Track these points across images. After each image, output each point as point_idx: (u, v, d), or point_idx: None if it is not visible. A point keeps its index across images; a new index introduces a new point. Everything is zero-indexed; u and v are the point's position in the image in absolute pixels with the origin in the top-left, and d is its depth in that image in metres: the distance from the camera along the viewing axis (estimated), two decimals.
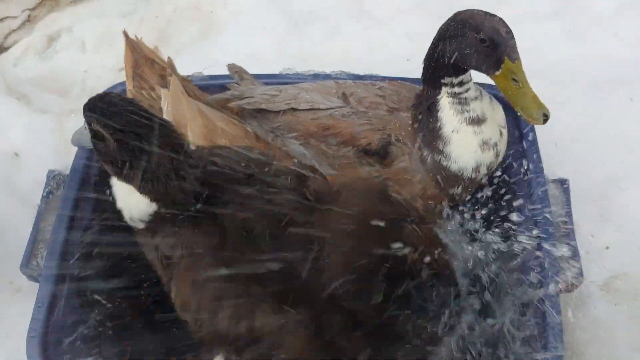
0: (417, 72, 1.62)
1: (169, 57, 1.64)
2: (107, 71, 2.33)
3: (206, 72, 1.87)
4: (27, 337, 1.45)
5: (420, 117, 1.51)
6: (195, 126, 1.45)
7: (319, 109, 1.54)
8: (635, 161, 1.93)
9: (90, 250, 1.57)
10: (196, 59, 2.22)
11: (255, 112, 1.57)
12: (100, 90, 2.13)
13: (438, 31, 1.44)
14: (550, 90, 2.08)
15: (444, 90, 1.47)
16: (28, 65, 2.35)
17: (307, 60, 2.19)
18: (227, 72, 1.85)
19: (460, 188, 1.54)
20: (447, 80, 1.45)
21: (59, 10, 2.55)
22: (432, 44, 1.45)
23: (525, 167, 1.66)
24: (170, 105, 1.46)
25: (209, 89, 1.76)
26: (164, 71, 1.61)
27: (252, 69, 1.95)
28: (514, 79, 1.37)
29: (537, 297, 1.44)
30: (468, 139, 1.49)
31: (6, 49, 2.45)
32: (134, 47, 1.63)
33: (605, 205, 1.87)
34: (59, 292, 1.52)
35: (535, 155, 1.66)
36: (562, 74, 2.17)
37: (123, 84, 1.84)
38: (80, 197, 1.63)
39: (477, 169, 1.52)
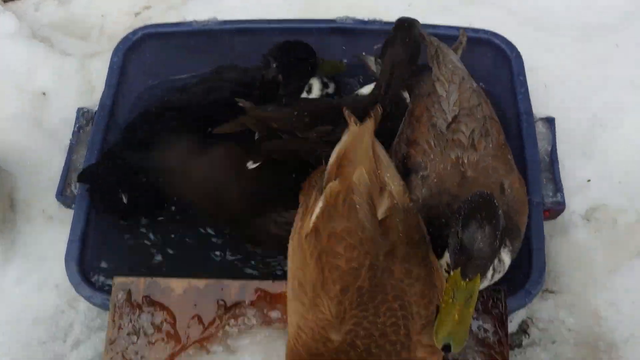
0: (419, 15, 1.78)
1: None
2: (123, 15, 2.43)
3: (220, 18, 2.00)
4: (65, 259, 1.62)
5: None
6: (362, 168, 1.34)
7: None
8: (618, 102, 2.07)
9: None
10: (208, 3, 2.34)
11: None
12: (117, 33, 2.28)
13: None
14: (543, 35, 2.23)
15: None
16: (48, 11, 2.45)
17: (317, 5, 2.32)
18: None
19: None
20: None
21: None
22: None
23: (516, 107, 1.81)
24: (351, 139, 1.38)
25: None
26: None
27: (260, 14, 2.09)
28: (453, 289, 1.19)
29: None
30: None
31: None
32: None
33: (588, 142, 2.01)
34: (92, 217, 1.69)
35: (525, 95, 1.81)
36: (554, 20, 2.28)
37: (143, 28, 1.98)
38: (109, 131, 1.79)
39: None
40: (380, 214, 1.28)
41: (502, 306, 1.47)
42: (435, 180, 1.38)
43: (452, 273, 1.20)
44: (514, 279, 1.54)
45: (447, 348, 1.16)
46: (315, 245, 1.27)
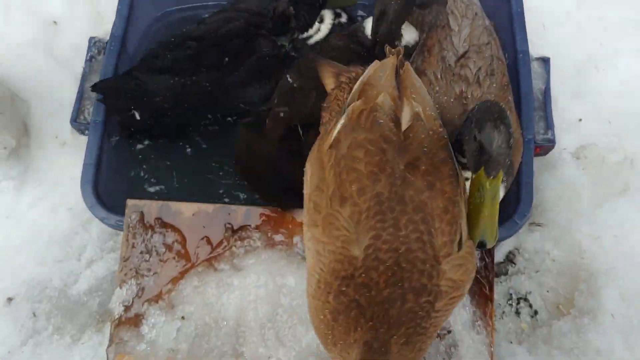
0: None
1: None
2: None
3: None
4: (81, 181, 1.71)
5: None
6: (386, 93, 1.37)
7: None
8: (612, 44, 2.14)
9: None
10: None
11: None
12: None
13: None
14: None
15: None
16: None
17: None
18: None
19: None
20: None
21: None
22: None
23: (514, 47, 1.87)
24: (374, 70, 1.40)
25: None
26: None
27: None
28: (479, 190, 1.28)
29: None
30: None
31: None
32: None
33: (582, 82, 2.09)
34: (104, 142, 1.78)
35: (522, 35, 1.87)
36: None
37: None
38: (120, 61, 1.86)
39: None
40: (404, 125, 1.29)
41: None
42: (438, 111, 1.46)
43: (474, 176, 1.28)
44: (504, 210, 1.65)
45: (481, 245, 1.25)
46: (335, 155, 1.28)
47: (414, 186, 1.21)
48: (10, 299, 1.88)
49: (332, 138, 1.30)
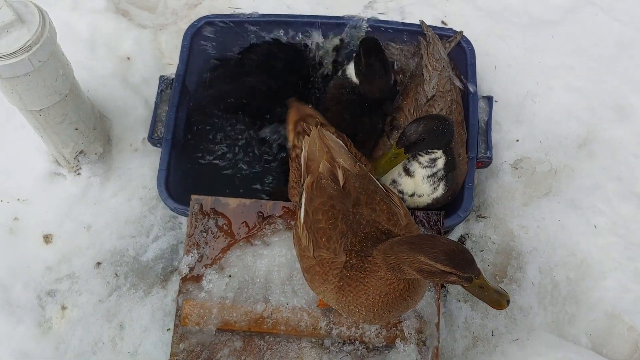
0: (408, 7, 2.63)
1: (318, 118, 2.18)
2: None
3: (260, 11, 2.67)
4: (157, 182, 2.35)
5: None
6: (323, 160, 1.92)
7: None
8: (547, 82, 2.76)
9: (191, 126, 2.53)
10: None
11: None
12: (177, 9, 2.98)
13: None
14: (498, 26, 2.90)
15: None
16: None
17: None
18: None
19: None
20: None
21: None
22: None
23: (467, 89, 2.53)
24: (309, 146, 1.96)
25: None
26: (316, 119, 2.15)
27: (278, 8, 2.77)
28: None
29: None
30: None
31: None
32: (298, 107, 2.20)
33: (521, 111, 2.72)
34: (173, 153, 2.46)
35: (473, 82, 2.52)
36: (510, 14, 2.94)
37: (204, 17, 2.67)
38: (182, 93, 2.55)
39: None
40: (341, 180, 1.84)
41: (440, 224, 2.25)
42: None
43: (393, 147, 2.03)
44: (452, 207, 2.34)
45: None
46: (306, 222, 1.84)
47: (363, 214, 1.79)
48: (99, 263, 2.52)
49: (302, 209, 1.87)
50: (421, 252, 1.52)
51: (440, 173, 2.17)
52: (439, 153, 2.12)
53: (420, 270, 1.55)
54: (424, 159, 2.14)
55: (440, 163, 2.15)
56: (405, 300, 1.73)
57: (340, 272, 1.76)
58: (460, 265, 1.50)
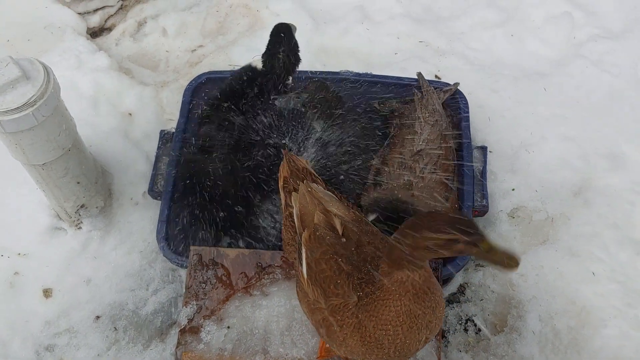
0: (402, 63, 2.63)
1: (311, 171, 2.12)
2: (183, 52, 3.21)
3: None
4: (157, 235, 2.40)
5: None
6: (317, 211, 1.91)
7: None
8: (540, 132, 2.82)
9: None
10: (248, 48, 3.11)
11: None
12: (179, 67, 3.07)
13: None
14: (491, 79, 2.98)
15: None
16: (126, 45, 3.24)
17: (327, 52, 3.09)
18: None
19: None
20: None
21: (144, 1, 3.43)
22: None
23: (461, 140, 2.58)
24: (299, 201, 1.95)
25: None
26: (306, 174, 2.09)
27: None
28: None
29: None
30: None
31: (108, 30, 3.33)
32: (289, 161, 2.10)
33: (516, 161, 2.76)
34: (172, 206, 2.50)
35: (467, 133, 2.59)
36: (501, 67, 3.03)
37: (204, 74, 2.75)
38: (183, 146, 2.60)
39: None
40: (339, 230, 1.85)
41: (439, 271, 2.27)
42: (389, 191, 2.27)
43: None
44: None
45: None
46: (310, 276, 1.83)
47: (367, 253, 1.81)
48: (98, 317, 2.52)
49: (305, 269, 1.86)
50: (423, 228, 1.53)
51: None
52: None
53: (427, 248, 1.53)
54: None
55: None
56: (429, 301, 1.70)
57: (354, 308, 1.73)
58: (463, 229, 1.49)
